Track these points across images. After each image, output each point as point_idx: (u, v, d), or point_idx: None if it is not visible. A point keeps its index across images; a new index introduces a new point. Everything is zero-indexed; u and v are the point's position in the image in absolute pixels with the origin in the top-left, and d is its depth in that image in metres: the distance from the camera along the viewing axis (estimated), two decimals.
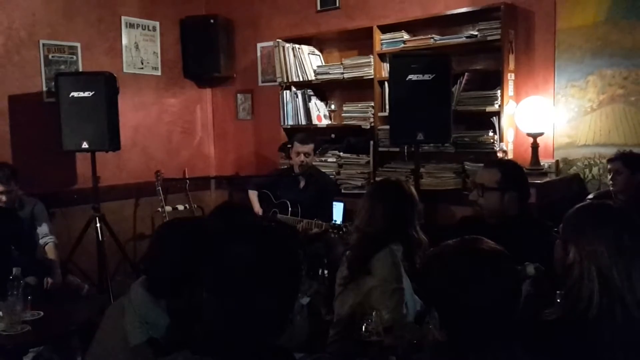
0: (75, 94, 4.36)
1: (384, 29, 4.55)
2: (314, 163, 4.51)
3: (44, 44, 4.75)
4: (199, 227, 1.95)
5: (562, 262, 1.68)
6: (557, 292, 1.85)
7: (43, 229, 4.11)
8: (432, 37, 4.31)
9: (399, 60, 4.03)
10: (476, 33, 4.09)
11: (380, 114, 4.60)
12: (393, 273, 2.31)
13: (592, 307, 1.56)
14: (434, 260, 1.54)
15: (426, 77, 3.83)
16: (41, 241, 4.07)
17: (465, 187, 4.21)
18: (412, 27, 4.49)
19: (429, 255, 1.64)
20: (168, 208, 5.13)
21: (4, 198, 3.86)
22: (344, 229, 3.82)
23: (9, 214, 3.73)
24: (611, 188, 3.56)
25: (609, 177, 3.58)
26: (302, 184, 4.44)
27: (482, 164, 4.04)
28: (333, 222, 3.98)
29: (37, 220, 4.11)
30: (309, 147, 4.34)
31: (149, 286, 1.76)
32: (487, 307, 1.37)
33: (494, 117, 4.06)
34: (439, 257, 1.52)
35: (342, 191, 4.68)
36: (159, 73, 5.60)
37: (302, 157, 4.32)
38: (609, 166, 3.58)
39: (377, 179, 4.42)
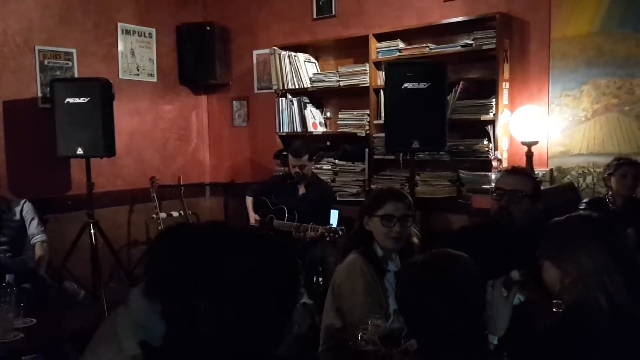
0: (70, 100, 4.35)
1: (380, 37, 4.57)
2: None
3: (39, 50, 4.74)
4: (196, 231, 1.95)
5: (556, 281, 1.70)
6: (554, 301, 1.85)
7: (32, 228, 4.06)
8: (428, 46, 4.33)
9: (394, 69, 4.05)
10: (471, 42, 4.11)
11: (375, 122, 4.62)
12: (350, 286, 2.29)
13: (596, 313, 1.58)
14: (400, 272, 1.71)
15: (421, 85, 3.85)
16: (32, 241, 4.04)
17: (460, 195, 4.22)
18: (408, 35, 4.51)
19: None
20: (163, 215, 5.11)
21: None
22: (340, 233, 3.83)
23: None
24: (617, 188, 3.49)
25: (622, 179, 3.45)
26: (301, 191, 4.44)
27: (476, 172, 4.11)
28: (329, 225, 3.99)
29: (26, 219, 4.06)
30: (304, 160, 4.34)
31: (145, 289, 1.75)
32: (435, 318, 1.46)
33: (489, 126, 4.08)
34: (402, 269, 1.71)
35: (338, 198, 4.69)
36: (154, 79, 5.60)
37: (297, 169, 4.34)
38: (625, 168, 3.46)
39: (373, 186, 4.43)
